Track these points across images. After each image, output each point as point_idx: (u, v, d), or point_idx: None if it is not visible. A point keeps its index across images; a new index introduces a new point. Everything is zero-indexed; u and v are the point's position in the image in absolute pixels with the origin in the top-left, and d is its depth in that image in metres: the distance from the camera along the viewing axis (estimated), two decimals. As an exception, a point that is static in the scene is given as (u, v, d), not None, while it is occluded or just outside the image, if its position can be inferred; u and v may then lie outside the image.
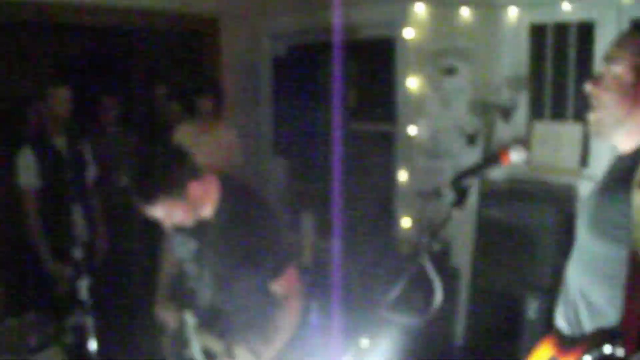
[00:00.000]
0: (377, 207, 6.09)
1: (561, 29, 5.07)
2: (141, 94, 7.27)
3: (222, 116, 5.70)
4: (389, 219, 5.95)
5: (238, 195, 2.98)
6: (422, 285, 2.24)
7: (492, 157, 2.27)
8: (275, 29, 6.71)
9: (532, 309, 4.61)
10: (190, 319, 3.06)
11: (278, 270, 2.93)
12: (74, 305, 3.80)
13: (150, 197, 2.70)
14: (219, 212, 2.92)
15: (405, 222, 5.79)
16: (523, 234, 4.69)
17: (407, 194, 5.80)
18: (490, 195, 5.07)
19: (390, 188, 5.94)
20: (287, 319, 2.95)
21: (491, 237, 4.85)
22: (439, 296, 2.35)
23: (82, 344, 3.87)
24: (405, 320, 3.35)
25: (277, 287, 2.95)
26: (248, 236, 2.87)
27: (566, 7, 4.78)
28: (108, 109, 6.08)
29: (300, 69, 5.66)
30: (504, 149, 2.21)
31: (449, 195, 2.26)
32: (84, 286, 3.67)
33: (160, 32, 6.56)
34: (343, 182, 5.79)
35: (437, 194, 5.56)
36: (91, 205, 5.25)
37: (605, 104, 2.11)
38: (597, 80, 2.16)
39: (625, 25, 4.69)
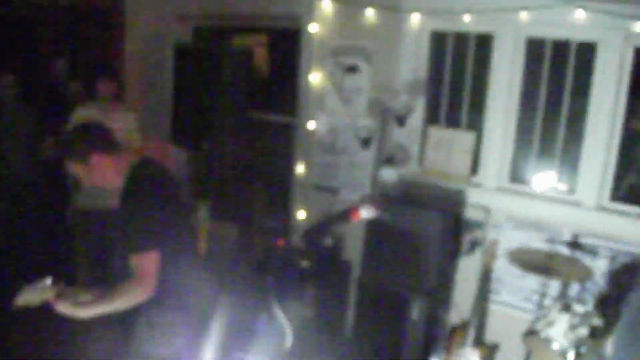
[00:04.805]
0: (274, 198, 6.16)
1: (461, 38, 5.19)
2: (42, 72, 7.05)
3: (121, 99, 5.63)
4: (285, 209, 6.02)
5: (139, 173, 3.26)
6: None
7: (344, 214, 2.37)
8: (182, 11, 6.61)
9: (414, 309, 4.76)
10: None
11: (138, 248, 3.09)
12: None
13: (62, 158, 3.24)
14: (123, 185, 3.26)
15: (300, 214, 5.88)
16: (411, 237, 4.80)
17: (303, 186, 5.89)
18: (381, 197, 5.16)
19: (288, 180, 6.01)
20: (123, 293, 3.07)
21: (380, 237, 4.94)
22: (289, 338, 2.46)
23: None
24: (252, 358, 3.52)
25: (135, 262, 3.09)
26: (129, 209, 3.18)
27: (467, 18, 4.89)
28: (7, 86, 5.87)
29: (203, 56, 5.60)
30: (354, 207, 2.32)
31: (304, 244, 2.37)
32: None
33: (65, 7, 6.37)
34: (241, 172, 5.82)
35: (333, 191, 5.67)
36: None
37: None
38: None
39: (521, 40, 4.85)
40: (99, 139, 3.25)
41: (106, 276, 5.70)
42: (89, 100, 5.52)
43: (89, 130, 3.33)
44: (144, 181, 3.25)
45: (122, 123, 5.42)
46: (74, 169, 3.24)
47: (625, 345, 2.00)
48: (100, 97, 5.35)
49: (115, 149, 3.27)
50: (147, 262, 3.07)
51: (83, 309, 3.05)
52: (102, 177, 3.26)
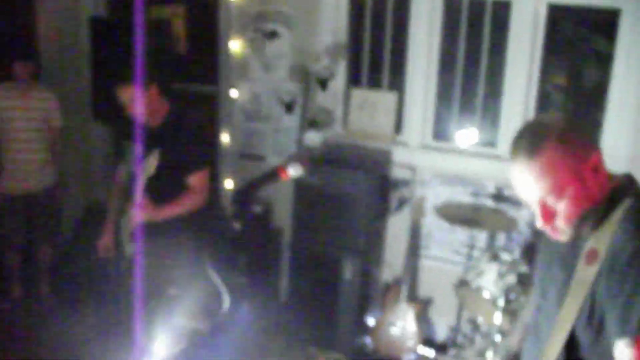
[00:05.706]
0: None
1: (379, 0, 5.24)
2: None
3: (38, 79, 5.52)
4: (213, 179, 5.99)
5: (179, 115, 3.91)
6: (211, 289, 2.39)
7: (272, 174, 2.39)
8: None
9: (347, 269, 4.85)
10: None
11: (194, 168, 3.85)
12: None
13: (124, 80, 3.66)
14: (164, 122, 3.85)
15: (228, 184, 5.88)
16: (339, 198, 4.86)
17: (229, 155, 5.88)
18: (308, 155, 5.21)
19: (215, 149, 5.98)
20: (184, 202, 3.85)
21: (309, 201, 4.99)
22: (226, 301, 2.51)
23: None
24: (195, 325, 3.68)
25: (190, 180, 3.85)
26: (178, 139, 3.78)
27: (384, -21, 4.96)
28: None
29: (119, 28, 5.48)
30: (282, 166, 2.34)
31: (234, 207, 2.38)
32: None
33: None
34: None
35: (260, 158, 5.68)
36: None
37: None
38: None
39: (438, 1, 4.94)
40: (165, 77, 3.88)
41: (34, 257, 5.64)
42: (5, 80, 5.38)
43: (164, 61, 4.15)
44: (189, 121, 3.92)
45: (41, 102, 5.37)
46: (129, 90, 3.65)
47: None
48: (18, 78, 5.23)
49: (166, 95, 3.85)
50: (201, 178, 3.87)
51: (159, 212, 3.72)
52: (148, 109, 3.71)
